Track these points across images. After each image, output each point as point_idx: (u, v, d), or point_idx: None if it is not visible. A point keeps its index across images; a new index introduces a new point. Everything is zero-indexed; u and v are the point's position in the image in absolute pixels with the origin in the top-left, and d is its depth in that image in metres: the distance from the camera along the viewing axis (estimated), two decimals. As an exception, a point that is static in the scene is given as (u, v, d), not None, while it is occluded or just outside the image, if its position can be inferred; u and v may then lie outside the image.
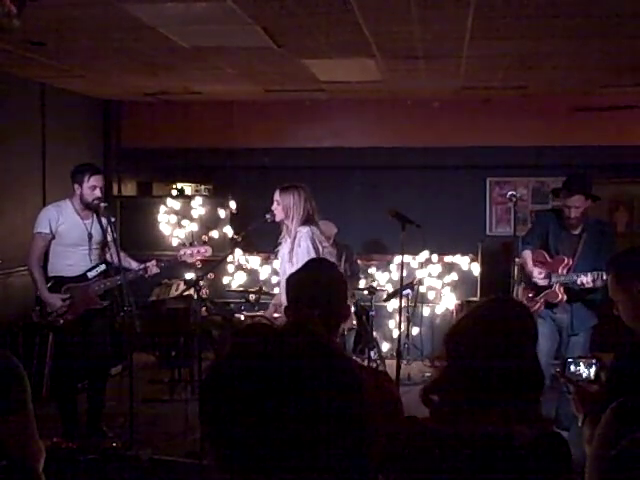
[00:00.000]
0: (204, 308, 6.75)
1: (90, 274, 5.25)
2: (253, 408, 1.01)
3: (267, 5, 4.35)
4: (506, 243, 7.31)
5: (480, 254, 7.89)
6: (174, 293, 7.58)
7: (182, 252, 5.48)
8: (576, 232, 5.10)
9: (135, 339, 5.43)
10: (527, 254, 5.26)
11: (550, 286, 5.13)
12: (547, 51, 5.62)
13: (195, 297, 5.47)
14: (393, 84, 7.16)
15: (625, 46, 5.44)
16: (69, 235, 5.19)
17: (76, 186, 5.16)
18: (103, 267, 5.32)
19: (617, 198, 8.28)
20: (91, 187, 5.13)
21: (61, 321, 5.13)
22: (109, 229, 5.19)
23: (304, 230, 4.64)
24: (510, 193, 5.55)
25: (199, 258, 5.56)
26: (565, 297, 5.08)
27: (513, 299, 4.38)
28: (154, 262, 5.37)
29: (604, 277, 4.54)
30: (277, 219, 4.79)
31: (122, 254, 5.18)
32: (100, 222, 5.12)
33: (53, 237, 5.17)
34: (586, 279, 4.87)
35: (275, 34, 5.10)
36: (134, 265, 5.36)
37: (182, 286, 7.39)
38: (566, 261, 5.09)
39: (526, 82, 7.09)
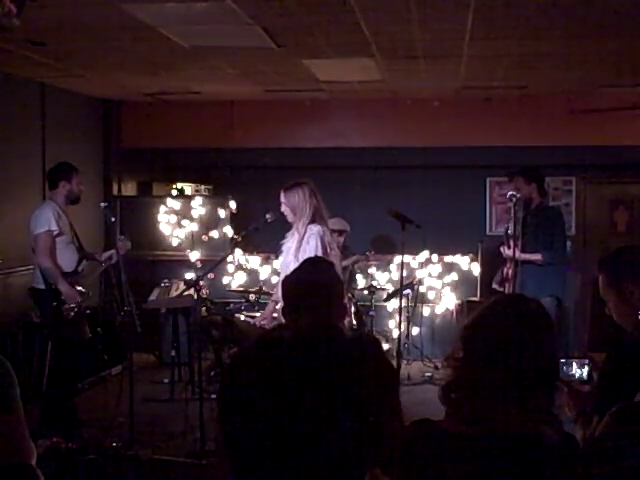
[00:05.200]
0: (204, 308, 6.74)
1: (79, 268, 5.46)
2: (276, 399, 1.01)
3: (267, 5, 4.35)
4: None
5: (480, 254, 7.89)
6: (174, 293, 7.57)
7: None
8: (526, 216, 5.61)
9: (135, 339, 5.44)
10: None
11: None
12: (547, 51, 5.62)
13: (195, 297, 5.48)
14: (393, 84, 7.16)
15: (625, 46, 5.44)
16: (64, 232, 5.34)
17: (63, 183, 5.38)
18: (85, 262, 5.53)
19: (617, 198, 8.27)
20: (79, 183, 5.45)
21: (72, 314, 5.24)
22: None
23: (315, 229, 4.57)
24: (510, 193, 5.54)
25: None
26: (507, 252, 5.61)
27: (527, 296, 4.40)
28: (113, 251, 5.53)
29: (540, 257, 5.40)
30: (290, 220, 4.71)
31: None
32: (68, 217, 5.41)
33: (60, 233, 5.29)
34: (524, 256, 5.46)
35: (275, 34, 5.10)
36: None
37: (182, 286, 7.38)
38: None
39: (526, 82, 7.09)
